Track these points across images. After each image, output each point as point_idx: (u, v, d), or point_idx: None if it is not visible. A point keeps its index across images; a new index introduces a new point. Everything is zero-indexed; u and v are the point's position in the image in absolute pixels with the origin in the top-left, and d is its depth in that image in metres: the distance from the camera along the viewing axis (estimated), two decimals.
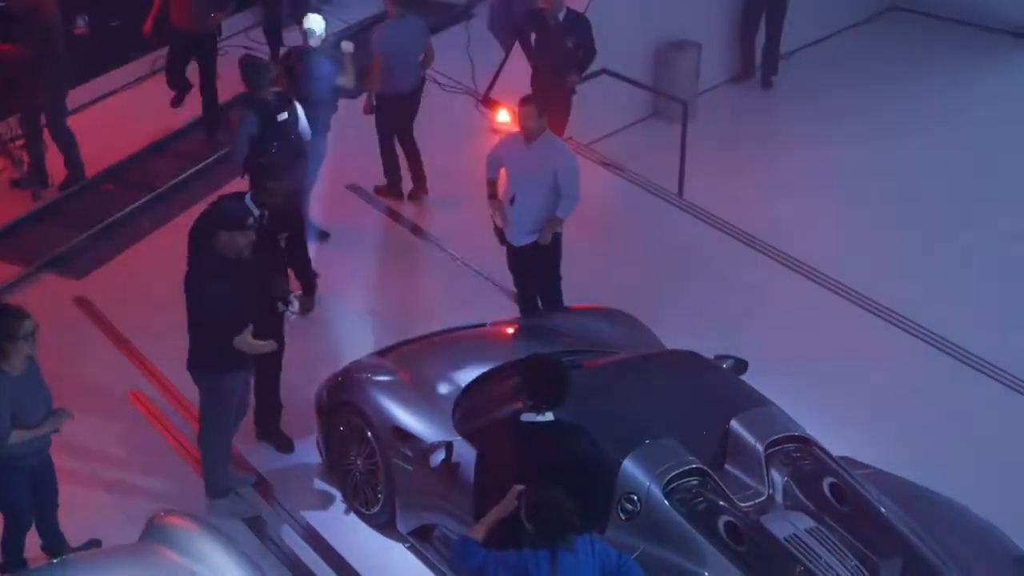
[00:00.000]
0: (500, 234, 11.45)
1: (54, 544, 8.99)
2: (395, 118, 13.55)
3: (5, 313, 8.50)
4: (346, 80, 12.82)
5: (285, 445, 10.53)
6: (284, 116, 11.74)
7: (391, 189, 14.00)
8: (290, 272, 10.25)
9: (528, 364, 7.93)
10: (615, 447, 8.18)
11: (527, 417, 7.65)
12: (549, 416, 7.65)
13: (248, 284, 9.25)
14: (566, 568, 6.89)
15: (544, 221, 11.11)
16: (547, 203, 11.08)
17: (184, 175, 14.18)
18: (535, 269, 11.40)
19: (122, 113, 15.24)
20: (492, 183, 11.38)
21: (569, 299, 11.52)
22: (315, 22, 12.62)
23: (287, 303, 10.04)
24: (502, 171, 11.37)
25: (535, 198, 11.06)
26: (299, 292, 10.32)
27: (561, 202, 11.07)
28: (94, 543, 9.08)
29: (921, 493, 9.05)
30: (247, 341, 9.19)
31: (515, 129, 11.60)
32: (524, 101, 11.17)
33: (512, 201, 11.11)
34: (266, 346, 9.36)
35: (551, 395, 7.68)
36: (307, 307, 10.42)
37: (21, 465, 8.58)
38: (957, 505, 8.97)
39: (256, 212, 9.86)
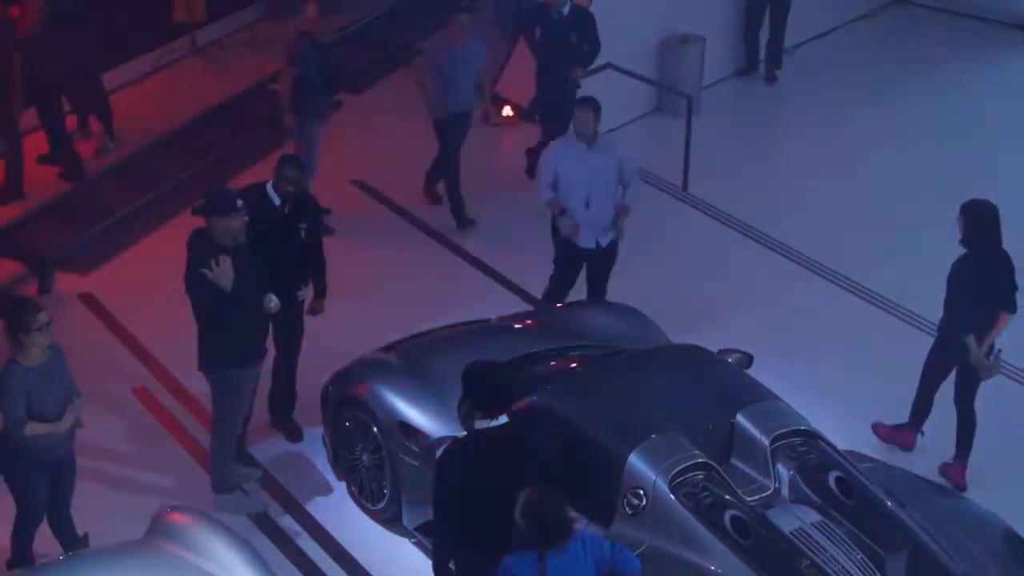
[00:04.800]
0: (563, 242, 11.41)
1: (65, 538, 9.01)
2: None
3: (19, 305, 8.56)
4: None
5: (294, 434, 10.57)
6: None
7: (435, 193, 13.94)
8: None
9: (469, 372, 7.78)
10: (621, 442, 8.20)
11: (480, 424, 7.64)
12: (502, 419, 7.64)
13: (247, 270, 9.26)
14: (556, 567, 6.90)
15: (615, 216, 11.31)
16: (615, 199, 11.29)
17: (190, 171, 14.20)
18: (599, 268, 11.52)
19: (126, 109, 15.24)
20: (554, 195, 11.27)
21: (574, 294, 11.53)
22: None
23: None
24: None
25: (608, 197, 11.22)
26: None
27: (628, 191, 11.34)
28: (82, 539, 9.09)
29: (926, 486, 9.07)
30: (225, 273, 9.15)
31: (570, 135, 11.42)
32: (582, 104, 11.22)
33: (588, 205, 11.16)
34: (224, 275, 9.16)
35: (498, 400, 7.66)
36: (316, 310, 10.44)
37: (43, 459, 8.62)
38: (961, 497, 8.98)
39: (277, 201, 9.95)
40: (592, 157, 11.14)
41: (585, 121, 11.09)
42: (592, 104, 11.15)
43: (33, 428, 8.44)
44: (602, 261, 11.49)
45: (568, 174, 11.17)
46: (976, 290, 9.86)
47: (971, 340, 9.85)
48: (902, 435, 10.53)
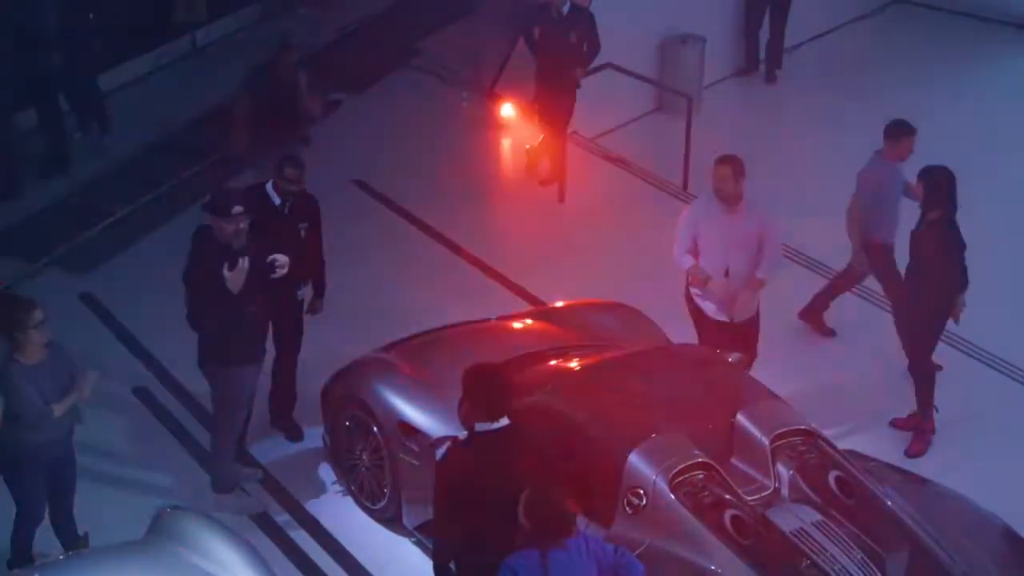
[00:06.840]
0: (700, 313, 10.41)
1: (65, 538, 9.01)
2: None
3: (15, 303, 8.57)
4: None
5: (294, 433, 10.58)
6: None
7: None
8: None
9: (469, 373, 7.72)
10: (621, 442, 8.20)
11: (481, 426, 7.63)
12: (504, 421, 7.62)
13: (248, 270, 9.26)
14: (558, 565, 6.90)
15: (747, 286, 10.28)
16: (754, 270, 10.27)
17: (191, 171, 14.20)
18: (738, 344, 10.14)
19: (126, 110, 15.25)
20: (695, 261, 10.26)
21: (574, 294, 11.52)
22: None
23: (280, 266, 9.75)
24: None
25: (749, 266, 10.23)
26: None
27: (764, 263, 10.22)
28: (82, 539, 9.10)
29: (926, 485, 9.06)
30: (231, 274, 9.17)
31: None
32: (720, 161, 10.13)
33: (727, 274, 10.22)
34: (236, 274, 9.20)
35: (498, 401, 7.63)
36: (316, 309, 10.44)
37: (41, 456, 8.64)
38: (961, 497, 8.97)
39: (277, 201, 9.96)
40: (733, 223, 10.10)
41: (722, 179, 10.06)
42: (730, 161, 10.09)
43: (59, 408, 8.47)
44: (741, 337, 10.28)
45: (705, 237, 10.19)
46: (961, 246, 10.24)
47: (962, 297, 10.34)
48: (916, 428, 10.58)
